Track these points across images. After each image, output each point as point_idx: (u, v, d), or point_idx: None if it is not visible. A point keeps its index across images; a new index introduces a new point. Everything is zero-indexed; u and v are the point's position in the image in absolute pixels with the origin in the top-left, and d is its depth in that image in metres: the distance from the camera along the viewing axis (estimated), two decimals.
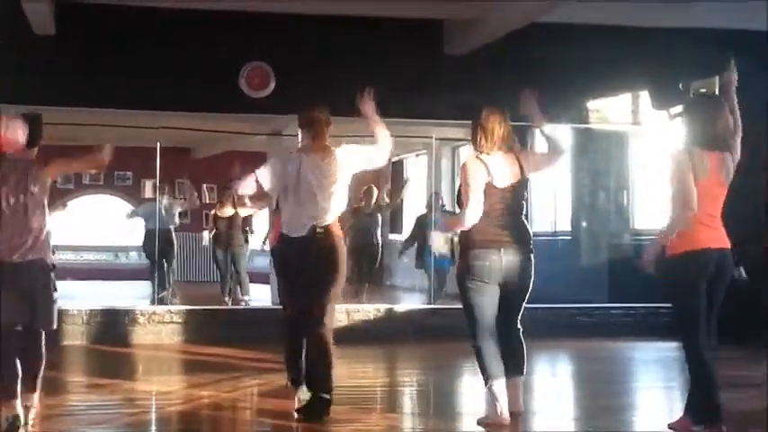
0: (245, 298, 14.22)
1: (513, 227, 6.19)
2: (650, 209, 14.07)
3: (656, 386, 8.97)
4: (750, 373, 8.45)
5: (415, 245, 14.28)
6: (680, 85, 11.44)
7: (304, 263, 6.37)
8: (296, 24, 11.14)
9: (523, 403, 6.43)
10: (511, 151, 6.28)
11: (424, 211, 14.62)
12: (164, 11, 10.80)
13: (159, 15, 10.84)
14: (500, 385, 6.10)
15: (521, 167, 6.23)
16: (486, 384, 6.16)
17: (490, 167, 6.13)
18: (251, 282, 14.57)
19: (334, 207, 6.47)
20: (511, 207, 6.19)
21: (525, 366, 6.39)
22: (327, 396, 6.36)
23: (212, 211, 14.77)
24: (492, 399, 6.13)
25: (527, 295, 6.35)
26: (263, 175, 6.53)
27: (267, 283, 14.49)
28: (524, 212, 6.38)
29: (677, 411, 7.71)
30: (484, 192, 6.10)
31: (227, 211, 14.32)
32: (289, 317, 6.76)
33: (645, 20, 11.14)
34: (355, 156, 6.58)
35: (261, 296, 14.56)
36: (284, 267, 6.72)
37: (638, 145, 14.01)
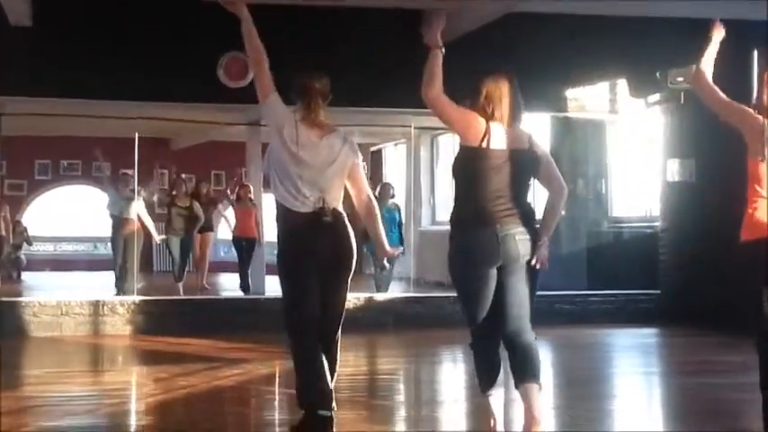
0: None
1: (513, 201, 5.36)
2: (628, 197, 14.16)
3: (635, 372, 9.01)
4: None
5: None
6: (657, 74, 11.48)
7: (312, 254, 5.46)
8: (274, 14, 11.10)
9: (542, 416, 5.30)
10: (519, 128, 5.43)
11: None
12: (141, 1, 10.75)
13: (136, 5, 10.79)
14: (496, 396, 5.38)
15: (530, 143, 5.41)
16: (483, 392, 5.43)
17: (491, 128, 5.29)
18: (224, 271, 14.64)
19: (338, 192, 5.57)
20: (511, 179, 5.34)
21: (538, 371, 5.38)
22: (329, 413, 5.46)
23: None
24: (486, 410, 5.40)
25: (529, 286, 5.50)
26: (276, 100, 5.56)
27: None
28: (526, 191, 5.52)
29: (656, 398, 7.80)
30: (476, 155, 5.28)
31: (185, 201, 14.49)
32: (304, 319, 5.52)
33: (622, 9, 11.15)
34: (354, 158, 5.67)
35: (232, 285, 14.64)
36: (292, 262, 5.55)
37: (616, 133, 14.06)
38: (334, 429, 5.47)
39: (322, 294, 5.52)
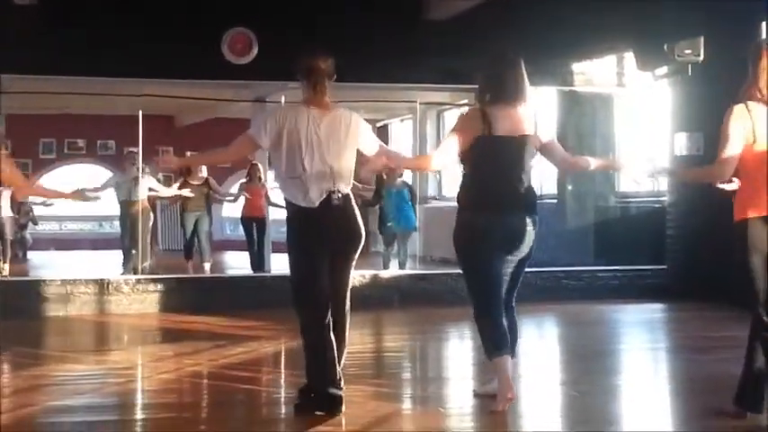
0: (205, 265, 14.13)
1: (516, 185, 5.67)
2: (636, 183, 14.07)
3: (642, 348, 8.98)
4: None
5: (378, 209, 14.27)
6: (665, 47, 11.39)
7: (323, 237, 5.57)
8: None
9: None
10: (527, 104, 5.71)
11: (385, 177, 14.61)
12: None
13: None
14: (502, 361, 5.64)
15: (535, 124, 5.72)
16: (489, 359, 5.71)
17: (492, 117, 5.60)
18: (235, 249, 14.50)
19: (348, 174, 5.68)
20: (514, 162, 5.66)
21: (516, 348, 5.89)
22: (339, 392, 5.59)
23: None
24: (498, 373, 5.67)
25: (525, 266, 5.88)
26: (259, 128, 5.61)
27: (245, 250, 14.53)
28: (529, 173, 5.76)
29: (663, 373, 7.77)
30: (481, 144, 5.59)
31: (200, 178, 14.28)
32: (314, 299, 5.61)
33: None
34: (366, 136, 5.79)
35: (244, 263, 14.58)
36: (302, 243, 5.64)
37: (624, 107, 13.98)
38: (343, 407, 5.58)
39: (331, 274, 5.64)
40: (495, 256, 5.68)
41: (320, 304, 5.59)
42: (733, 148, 5.26)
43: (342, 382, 5.60)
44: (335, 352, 5.59)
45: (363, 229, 5.73)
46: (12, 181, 6.55)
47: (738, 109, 5.28)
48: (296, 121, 5.57)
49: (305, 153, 5.55)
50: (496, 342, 5.65)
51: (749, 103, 5.29)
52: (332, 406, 5.55)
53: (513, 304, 5.92)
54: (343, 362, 5.72)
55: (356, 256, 5.73)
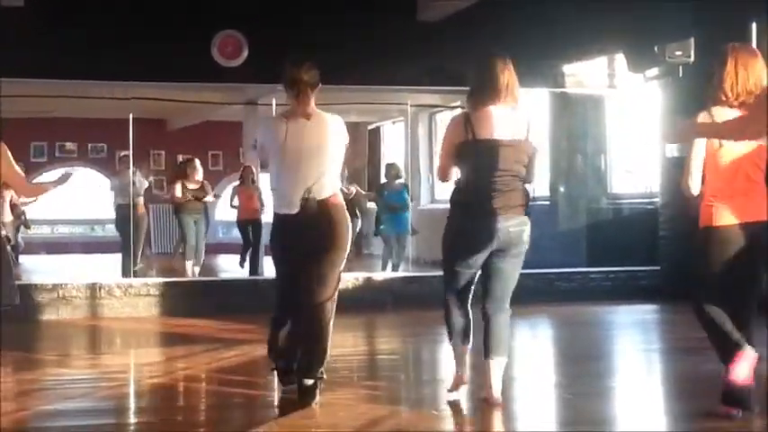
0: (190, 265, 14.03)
1: (509, 188, 5.66)
2: (627, 172, 14.10)
3: (636, 349, 8.98)
4: None
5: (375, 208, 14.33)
6: (655, 49, 11.41)
7: (301, 242, 5.80)
8: None
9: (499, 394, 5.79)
10: (518, 107, 5.72)
11: (385, 180, 14.70)
12: None
13: None
14: (461, 349, 5.96)
15: (528, 129, 5.71)
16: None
17: (478, 120, 5.61)
18: (228, 253, 14.47)
19: (330, 179, 5.85)
20: (506, 165, 5.63)
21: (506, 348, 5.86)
22: (312, 381, 5.85)
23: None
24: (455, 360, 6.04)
25: (519, 270, 5.85)
26: (255, 150, 6.10)
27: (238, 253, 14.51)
28: (523, 177, 5.73)
29: (657, 374, 7.77)
30: (465, 149, 5.64)
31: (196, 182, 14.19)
32: (289, 303, 6.03)
33: None
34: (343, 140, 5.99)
35: (238, 267, 14.55)
36: (283, 242, 5.95)
37: (615, 108, 13.99)
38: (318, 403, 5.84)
39: (312, 274, 5.84)
40: (468, 257, 5.74)
41: (283, 307, 6.06)
42: (698, 158, 5.35)
43: (322, 369, 5.87)
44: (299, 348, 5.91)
45: (348, 235, 5.90)
46: (14, 181, 6.53)
47: (702, 117, 5.35)
48: (277, 132, 5.83)
49: (285, 163, 5.79)
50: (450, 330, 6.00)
51: (713, 109, 5.33)
52: (306, 395, 5.83)
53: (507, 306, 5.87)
54: (317, 367, 5.87)
55: (335, 261, 5.88)
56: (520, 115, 5.73)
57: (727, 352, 5.30)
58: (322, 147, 5.81)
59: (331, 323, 5.96)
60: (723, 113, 5.28)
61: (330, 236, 5.83)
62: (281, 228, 5.92)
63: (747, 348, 5.25)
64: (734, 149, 5.28)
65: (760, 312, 5.56)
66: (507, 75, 5.69)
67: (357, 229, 14.68)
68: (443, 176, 5.89)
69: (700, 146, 5.35)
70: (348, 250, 5.97)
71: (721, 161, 5.31)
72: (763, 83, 5.28)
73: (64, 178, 6.95)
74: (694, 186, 5.38)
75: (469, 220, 5.69)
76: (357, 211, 14.70)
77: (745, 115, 5.23)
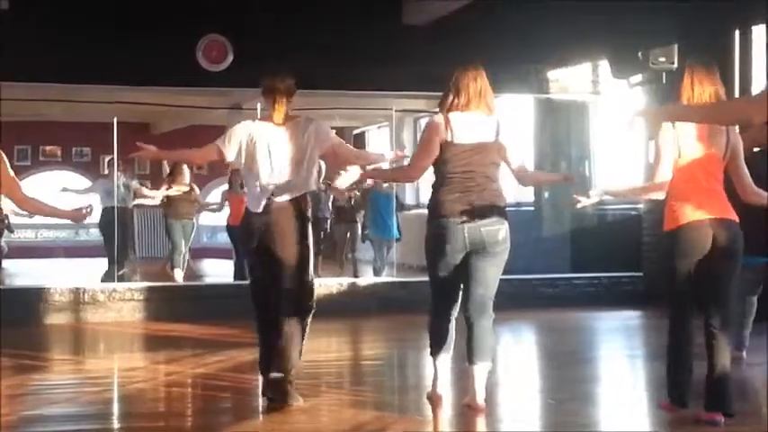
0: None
1: (482, 190, 5.81)
2: (612, 178, 14.12)
3: (619, 355, 9.00)
4: None
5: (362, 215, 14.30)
6: (639, 54, 11.45)
7: (266, 240, 6.01)
8: None
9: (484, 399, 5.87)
10: (491, 113, 5.89)
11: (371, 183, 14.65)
12: None
13: None
14: (443, 360, 6.04)
15: (497, 132, 5.87)
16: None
17: (453, 124, 5.79)
18: (213, 257, 14.41)
19: (300, 181, 6.04)
20: (480, 169, 5.81)
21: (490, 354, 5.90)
22: (279, 375, 5.98)
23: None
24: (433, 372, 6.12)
25: (499, 272, 5.91)
26: (225, 144, 6.09)
27: (230, 258, 14.46)
28: (498, 179, 5.91)
29: (641, 380, 7.79)
30: (445, 150, 5.81)
31: (185, 185, 14.11)
32: (260, 300, 6.19)
33: None
34: (327, 141, 6.16)
35: (222, 271, 14.53)
36: (249, 245, 6.16)
37: (599, 114, 14.03)
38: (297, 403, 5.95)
39: (279, 272, 6.02)
40: (449, 261, 5.84)
41: (260, 304, 6.16)
42: (664, 166, 5.59)
43: (290, 365, 5.96)
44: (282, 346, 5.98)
45: (310, 235, 6.09)
46: (12, 192, 6.45)
47: (665, 127, 5.58)
48: (253, 136, 6.06)
49: (260, 166, 6.02)
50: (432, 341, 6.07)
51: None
52: (274, 388, 5.97)
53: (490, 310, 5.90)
54: (293, 367, 5.99)
55: (299, 260, 5.99)
56: (489, 119, 5.90)
57: (671, 388, 5.67)
58: (293, 151, 6.04)
59: (300, 323, 6.05)
60: (683, 126, 5.52)
61: (291, 235, 6.01)
62: (248, 228, 6.15)
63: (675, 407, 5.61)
64: (688, 155, 5.53)
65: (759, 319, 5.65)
66: (480, 82, 5.89)
67: (357, 233, 14.69)
68: (416, 175, 6.13)
69: (668, 135, 5.56)
70: (311, 249, 6.13)
71: (680, 166, 5.55)
72: (720, 97, 5.61)
73: (79, 215, 6.66)
74: (662, 174, 5.59)
75: (443, 221, 5.82)
76: (356, 216, 14.66)
77: (718, 101, 5.54)
